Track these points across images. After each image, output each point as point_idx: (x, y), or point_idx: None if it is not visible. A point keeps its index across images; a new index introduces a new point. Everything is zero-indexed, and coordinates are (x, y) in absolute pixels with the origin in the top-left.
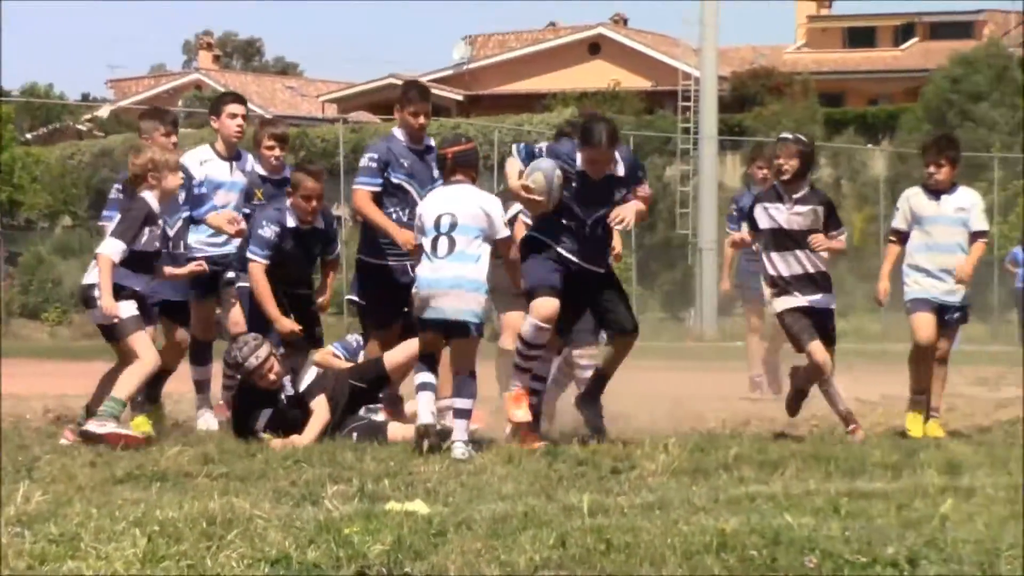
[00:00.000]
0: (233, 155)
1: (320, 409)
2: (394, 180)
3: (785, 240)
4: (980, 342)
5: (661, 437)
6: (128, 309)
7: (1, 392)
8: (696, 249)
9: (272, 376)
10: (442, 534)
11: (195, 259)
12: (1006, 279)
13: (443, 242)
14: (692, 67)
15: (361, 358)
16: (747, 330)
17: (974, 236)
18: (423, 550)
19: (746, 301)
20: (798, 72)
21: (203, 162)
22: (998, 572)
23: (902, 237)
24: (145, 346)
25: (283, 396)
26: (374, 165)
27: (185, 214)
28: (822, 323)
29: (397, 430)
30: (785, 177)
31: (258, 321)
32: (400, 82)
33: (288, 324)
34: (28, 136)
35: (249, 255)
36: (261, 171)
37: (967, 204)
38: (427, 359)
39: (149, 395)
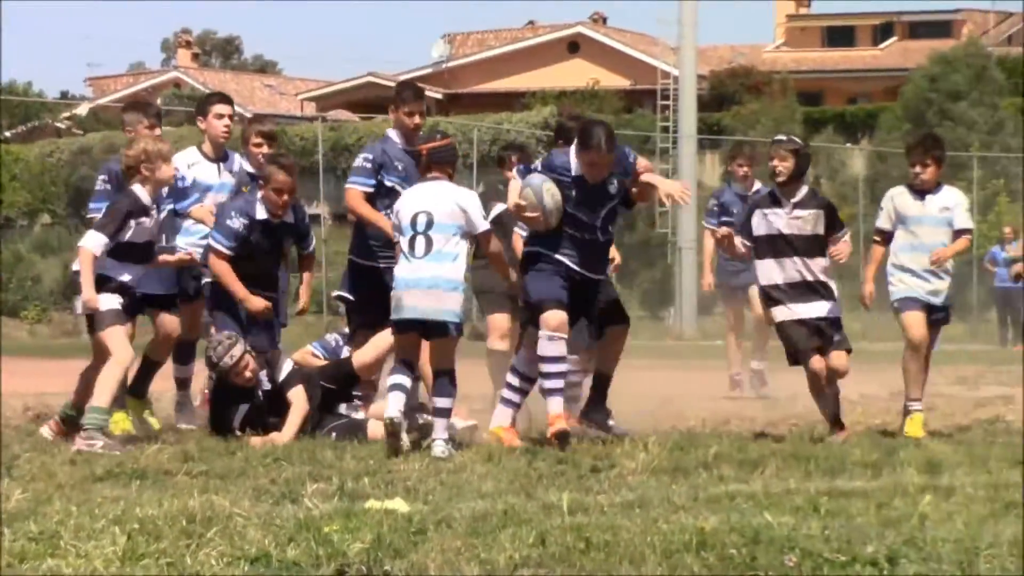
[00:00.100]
0: (220, 156)
1: (298, 400)
2: (387, 183)
3: (783, 246)
4: (960, 341)
5: (641, 436)
6: (108, 302)
7: None
8: (676, 248)
9: (248, 374)
10: (422, 532)
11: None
12: (985, 278)
13: (420, 241)
14: (671, 66)
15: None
16: (727, 329)
17: (958, 233)
18: (403, 548)
19: (725, 300)
20: (777, 71)
21: (191, 165)
22: (977, 571)
23: (886, 237)
24: (119, 343)
25: (259, 392)
26: (368, 166)
27: (169, 207)
28: (827, 331)
29: (377, 428)
30: (780, 179)
31: (225, 304)
32: (379, 81)
33: (257, 302)
34: (7, 134)
35: (212, 242)
36: (249, 168)
37: (951, 203)
38: (405, 364)
39: (137, 391)
